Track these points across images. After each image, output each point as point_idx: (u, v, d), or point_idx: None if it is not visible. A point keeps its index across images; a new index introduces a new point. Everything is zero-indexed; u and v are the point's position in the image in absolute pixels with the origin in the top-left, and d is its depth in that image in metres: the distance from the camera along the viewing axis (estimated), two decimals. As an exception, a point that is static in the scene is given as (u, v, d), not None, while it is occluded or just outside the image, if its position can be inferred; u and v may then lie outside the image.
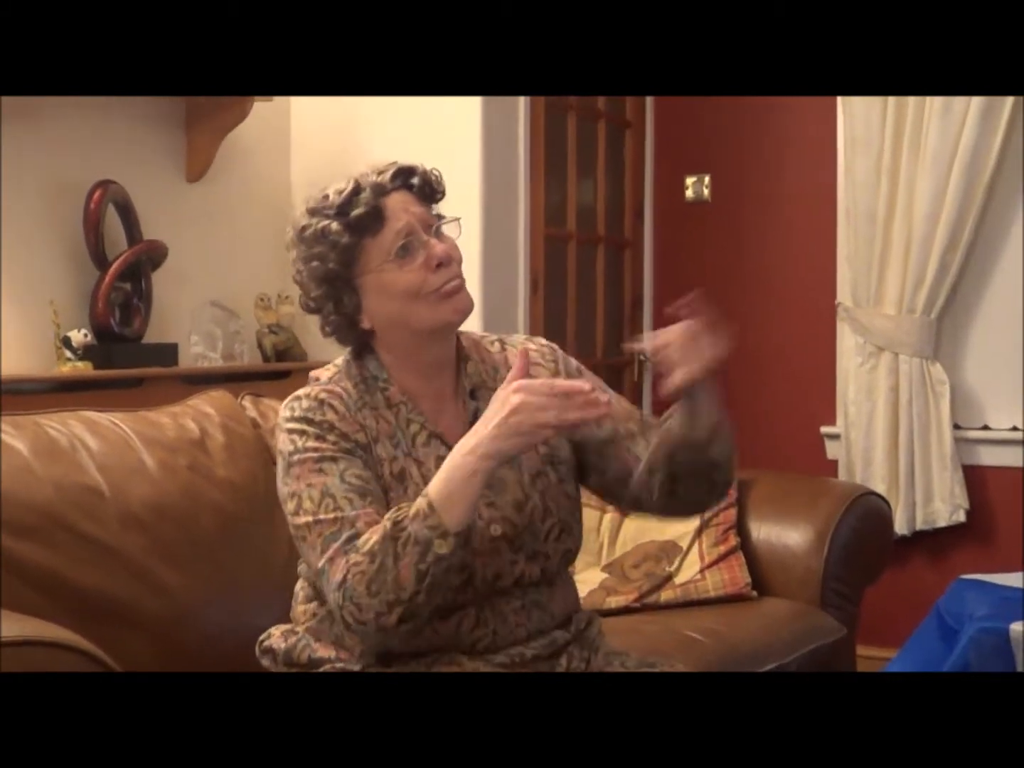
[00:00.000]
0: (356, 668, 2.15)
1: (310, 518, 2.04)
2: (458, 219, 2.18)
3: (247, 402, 2.94)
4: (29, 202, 3.75)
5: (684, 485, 2.20)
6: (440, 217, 2.18)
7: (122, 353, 3.79)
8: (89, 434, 2.60)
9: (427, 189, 2.18)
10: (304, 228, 2.13)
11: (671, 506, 2.26)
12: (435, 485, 1.98)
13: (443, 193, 2.21)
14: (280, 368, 4.22)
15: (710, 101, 5.05)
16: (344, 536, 2.00)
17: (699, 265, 5.23)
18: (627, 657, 2.28)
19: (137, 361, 3.82)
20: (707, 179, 5.22)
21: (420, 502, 1.97)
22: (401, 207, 2.12)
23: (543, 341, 2.35)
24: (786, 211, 5.05)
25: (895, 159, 4.58)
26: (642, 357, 5.27)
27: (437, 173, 2.21)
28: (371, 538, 1.98)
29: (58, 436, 2.55)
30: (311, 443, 2.08)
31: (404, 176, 2.16)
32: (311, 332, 2.03)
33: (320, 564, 2.02)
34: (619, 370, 5.29)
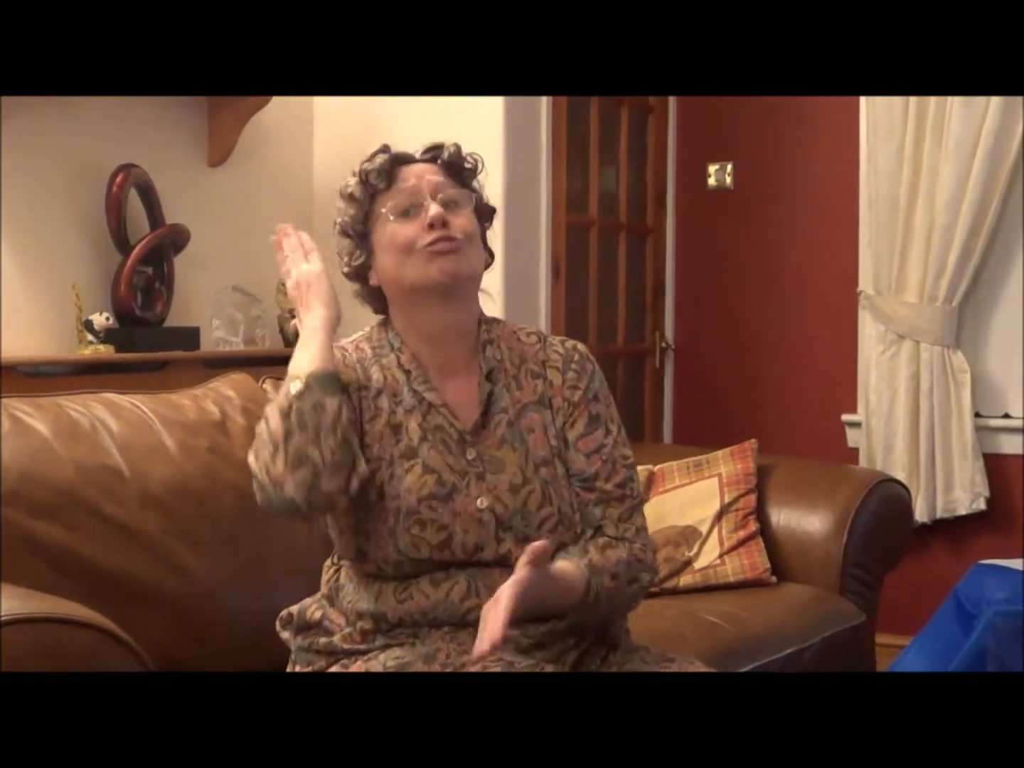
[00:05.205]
0: (355, 636, 2.20)
1: None
2: (471, 193, 2.27)
3: (268, 385, 2.95)
4: (51, 185, 3.76)
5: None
6: (469, 192, 2.27)
7: (144, 337, 3.80)
8: (110, 415, 2.61)
9: (454, 165, 2.27)
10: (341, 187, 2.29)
11: None
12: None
13: (472, 171, 2.30)
14: (301, 353, 4.23)
15: (732, 89, 5.04)
16: None
17: (721, 253, 5.23)
18: (646, 652, 2.27)
19: (158, 345, 3.84)
20: (729, 167, 5.21)
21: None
22: (416, 174, 2.24)
23: (580, 347, 2.35)
24: (808, 199, 5.04)
25: (917, 147, 4.56)
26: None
27: (476, 158, 2.31)
28: None
29: (79, 417, 2.57)
30: None
31: (434, 150, 2.28)
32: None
33: None
34: (640, 357, 5.28)
